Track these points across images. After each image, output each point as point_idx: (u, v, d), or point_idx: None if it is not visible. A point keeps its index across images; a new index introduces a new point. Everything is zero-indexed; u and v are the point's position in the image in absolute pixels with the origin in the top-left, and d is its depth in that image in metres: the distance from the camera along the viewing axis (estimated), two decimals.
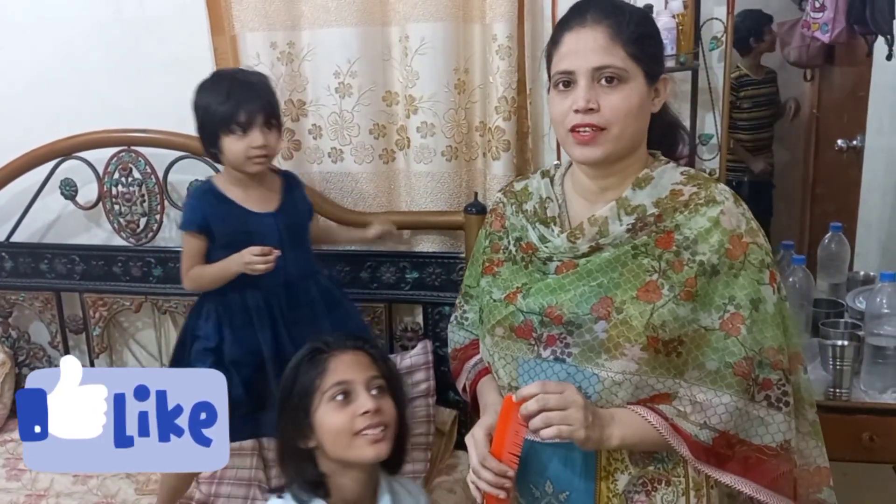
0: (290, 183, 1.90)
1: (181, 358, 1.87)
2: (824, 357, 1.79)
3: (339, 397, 1.32)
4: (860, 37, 2.12)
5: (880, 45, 2.06)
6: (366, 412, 1.30)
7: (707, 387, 1.16)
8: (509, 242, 1.32)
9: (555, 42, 1.21)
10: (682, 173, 1.23)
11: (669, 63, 1.92)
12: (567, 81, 1.18)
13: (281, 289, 1.81)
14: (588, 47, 1.16)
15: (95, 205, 2.35)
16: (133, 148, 2.29)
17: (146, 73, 2.23)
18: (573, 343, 1.18)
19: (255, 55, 2.15)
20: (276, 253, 1.72)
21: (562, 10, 1.38)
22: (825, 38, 2.15)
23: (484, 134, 2.10)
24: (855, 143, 2.24)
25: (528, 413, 1.12)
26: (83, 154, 2.32)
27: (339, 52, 2.11)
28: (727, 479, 1.18)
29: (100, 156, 2.32)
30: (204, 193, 1.83)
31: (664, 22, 1.90)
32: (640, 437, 1.16)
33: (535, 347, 1.21)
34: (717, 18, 1.97)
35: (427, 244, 2.21)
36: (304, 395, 1.33)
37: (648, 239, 1.18)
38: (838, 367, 1.76)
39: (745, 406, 1.16)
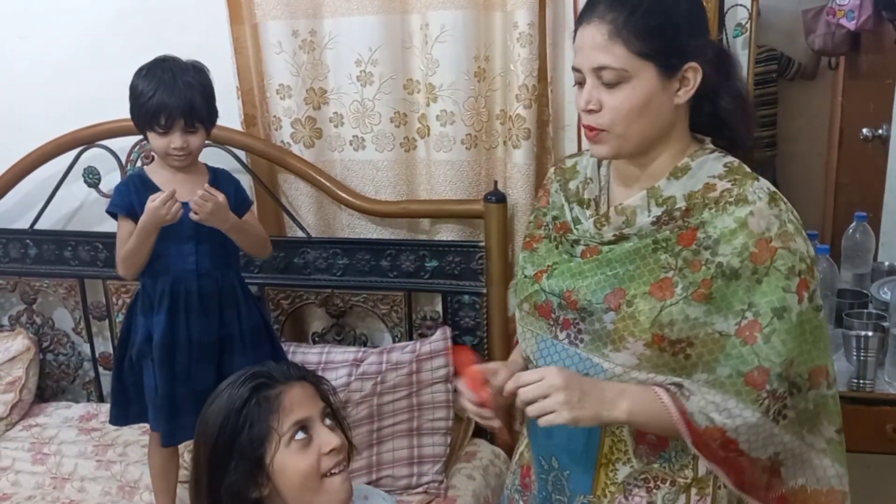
0: (217, 179, 1.88)
1: (122, 355, 1.90)
2: (848, 348, 1.78)
3: (300, 436, 1.19)
4: (888, 23, 2.09)
5: None
6: (332, 450, 1.19)
7: (716, 390, 1.12)
8: (550, 220, 1.31)
9: (574, 35, 1.19)
10: (724, 165, 1.16)
11: None
12: (578, 80, 1.16)
13: (192, 276, 1.82)
14: (588, 45, 1.13)
15: None
16: None
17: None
18: (584, 330, 1.18)
19: (277, 43, 2.15)
20: (177, 203, 1.69)
21: None
22: (851, 25, 2.12)
23: (504, 122, 2.10)
24: (881, 132, 2.21)
25: (520, 405, 1.13)
26: (106, 142, 2.33)
27: (361, 40, 2.10)
28: (713, 467, 1.16)
29: (123, 144, 2.33)
30: (131, 178, 1.87)
31: None
32: (651, 413, 1.13)
33: (553, 329, 1.22)
34: (741, 5, 1.95)
35: (447, 233, 2.21)
36: (259, 440, 1.18)
37: (671, 234, 1.14)
38: (862, 358, 1.75)
39: (753, 416, 1.11)
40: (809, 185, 2.40)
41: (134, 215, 1.80)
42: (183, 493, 2.03)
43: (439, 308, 2.24)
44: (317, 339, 2.38)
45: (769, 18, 2.19)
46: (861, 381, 1.75)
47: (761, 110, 2.32)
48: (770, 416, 1.11)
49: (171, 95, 1.72)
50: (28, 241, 2.46)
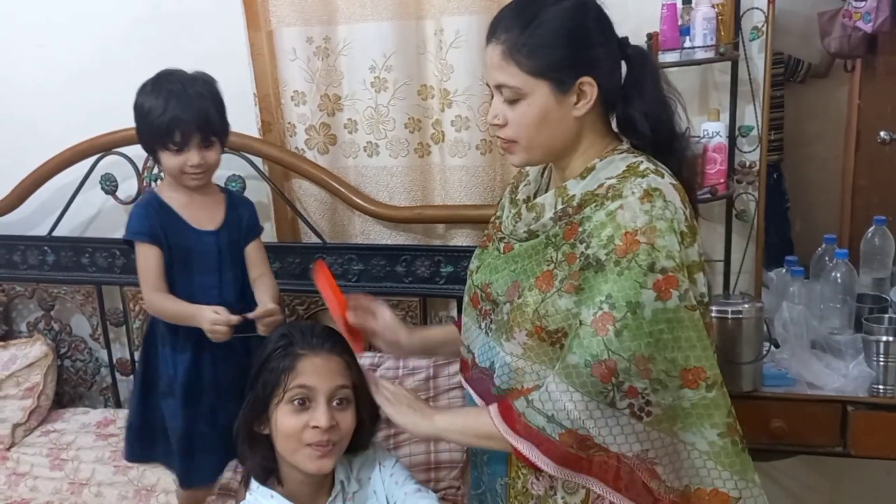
0: (233, 201, 1.81)
1: (146, 389, 1.80)
2: (868, 353, 1.76)
3: (297, 402, 1.31)
4: None
5: None
6: (316, 427, 1.29)
7: (561, 379, 1.13)
8: (497, 219, 1.39)
9: None
10: (627, 165, 1.18)
11: (709, 54, 1.90)
12: (491, 94, 1.22)
13: None
14: (489, 64, 1.19)
15: (135, 199, 2.38)
16: None
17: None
18: (493, 320, 1.26)
19: (292, 50, 2.16)
20: (235, 319, 1.61)
21: None
22: (867, 27, 2.11)
23: None
24: None
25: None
26: (123, 149, 2.35)
27: (375, 46, 2.11)
28: (579, 478, 1.17)
29: (139, 151, 2.29)
30: (149, 203, 1.74)
31: (704, 12, 1.88)
32: (467, 425, 1.26)
33: (479, 318, 1.31)
34: (757, 8, 1.95)
35: (461, 238, 2.21)
36: (269, 386, 1.33)
37: (559, 230, 1.19)
38: (882, 363, 1.73)
39: (598, 408, 1.11)
40: (826, 189, 2.37)
41: (158, 240, 1.69)
42: None
43: (455, 313, 2.24)
44: None
45: (783, 21, 2.17)
46: (881, 387, 1.73)
47: (780, 111, 2.31)
48: (623, 409, 1.11)
49: (184, 109, 1.61)
50: (46, 247, 2.48)
